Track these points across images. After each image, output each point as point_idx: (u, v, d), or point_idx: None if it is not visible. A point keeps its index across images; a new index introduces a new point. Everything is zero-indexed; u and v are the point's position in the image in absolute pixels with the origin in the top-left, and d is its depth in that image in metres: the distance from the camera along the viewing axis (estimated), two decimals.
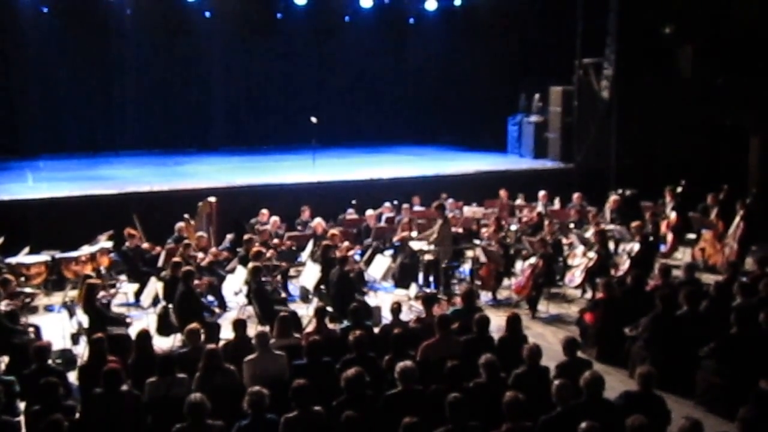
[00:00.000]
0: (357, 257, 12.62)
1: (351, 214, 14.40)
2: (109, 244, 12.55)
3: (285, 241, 12.71)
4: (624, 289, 9.99)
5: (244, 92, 21.53)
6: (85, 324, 9.38)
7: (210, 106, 21.13)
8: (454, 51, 22.21)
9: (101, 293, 10.01)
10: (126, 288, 11.76)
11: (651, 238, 12.64)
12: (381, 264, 11.83)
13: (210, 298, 11.47)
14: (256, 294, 10.21)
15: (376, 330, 8.73)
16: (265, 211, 13.60)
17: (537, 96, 19.53)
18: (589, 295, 11.80)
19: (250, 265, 10.49)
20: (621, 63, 17.46)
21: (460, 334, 8.01)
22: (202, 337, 7.86)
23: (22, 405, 7.19)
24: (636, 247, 11.88)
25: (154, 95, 20.28)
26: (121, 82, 19.95)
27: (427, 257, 12.01)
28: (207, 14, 20.20)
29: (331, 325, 8.92)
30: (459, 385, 6.41)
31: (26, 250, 12.15)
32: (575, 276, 11.87)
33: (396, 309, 8.77)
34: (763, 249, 12.52)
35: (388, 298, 11.52)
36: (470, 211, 14.64)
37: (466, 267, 12.81)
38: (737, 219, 13.01)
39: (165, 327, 9.90)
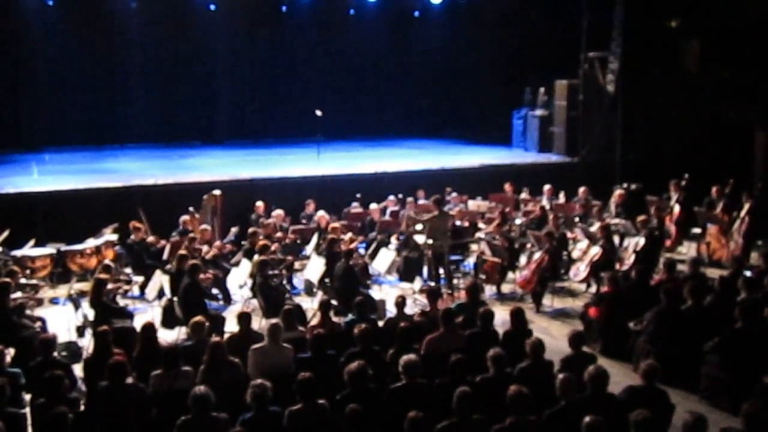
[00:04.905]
0: (361, 250, 12.64)
1: (355, 208, 14.40)
2: (114, 237, 12.56)
3: (289, 234, 12.73)
4: (629, 283, 9.98)
5: (248, 85, 21.50)
6: (91, 317, 9.41)
7: (215, 100, 21.09)
8: (459, 44, 22.15)
9: (111, 285, 10.02)
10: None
11: (656, 233, 12.61)
12: (385, 257, 11.84)
13: (215, 291, 11.51)
14: (261, 287, 10.23)
15: (380, 323, 8.73)
16: (260, 203, 13.62)
17: (542, 90, 19.48)
18: (593, 289, 11.80)
19: (256, 258, 10.51)
20: (627, 57, 17.39)
21: (464, 328, 8.03)
22: (207, 330, 7.89)
23: (27, 397, 7.21)
24: (641, 241, 11.85)
25: (159, 88, 20.27)
26: (126, 75, 19.95)
27: (428, 251, 11.98)
28: (212, 7, 20.19)
29: (335, 319, 8.92)
30: (463, 379, 6.42)
31: (31, 242, 12.17)
32: (580, 270, 11.84)
33: (400, 303, 8.77)
34: None
35: (392, 292, 11.52)
36: (475, 204, 14.65)
37: (471, 261, 12.81)
38: (742, 213, 12.98)
39: (170, 320, 9.93)
